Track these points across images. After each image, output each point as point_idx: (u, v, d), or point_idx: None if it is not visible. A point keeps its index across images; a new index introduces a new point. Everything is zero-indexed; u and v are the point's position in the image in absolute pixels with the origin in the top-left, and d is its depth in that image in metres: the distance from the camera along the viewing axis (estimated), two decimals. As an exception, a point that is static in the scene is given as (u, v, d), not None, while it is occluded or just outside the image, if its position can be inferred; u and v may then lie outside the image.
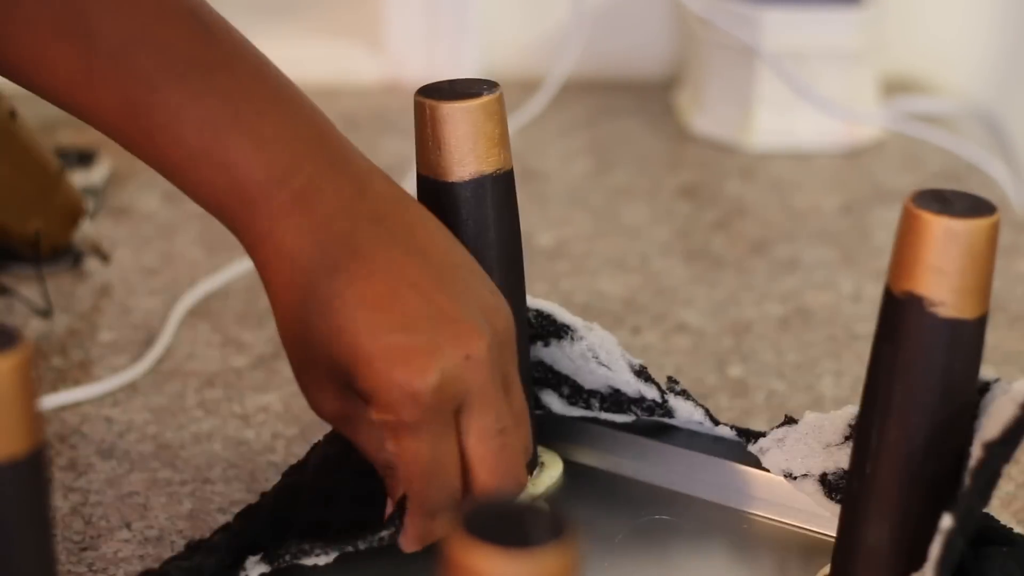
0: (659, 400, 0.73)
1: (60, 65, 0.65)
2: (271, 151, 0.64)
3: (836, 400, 0.86)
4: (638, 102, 1.31)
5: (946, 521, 0.59)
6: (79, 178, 1.06)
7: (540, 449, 0.75)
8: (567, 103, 1.24)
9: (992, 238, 0.60)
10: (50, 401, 0.84)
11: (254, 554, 0.66)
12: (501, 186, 0.69)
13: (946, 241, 0.60)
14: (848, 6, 1.22)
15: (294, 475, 0.70)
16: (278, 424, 0.83)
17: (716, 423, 0.73)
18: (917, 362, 0.61)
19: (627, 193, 1.15)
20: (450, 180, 0.68)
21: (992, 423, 0.61)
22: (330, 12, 1.39)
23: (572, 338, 0.73)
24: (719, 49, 1.23)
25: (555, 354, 0.74)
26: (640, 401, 0.73)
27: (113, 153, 1.16)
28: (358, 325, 0.62)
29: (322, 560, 0.66)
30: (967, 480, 0.60)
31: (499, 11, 1.35)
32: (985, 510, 0.65)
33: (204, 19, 0.66)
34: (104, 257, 0.99)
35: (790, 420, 0.71)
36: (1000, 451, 0.61)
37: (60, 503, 0.75)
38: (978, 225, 0.60)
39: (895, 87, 1.31)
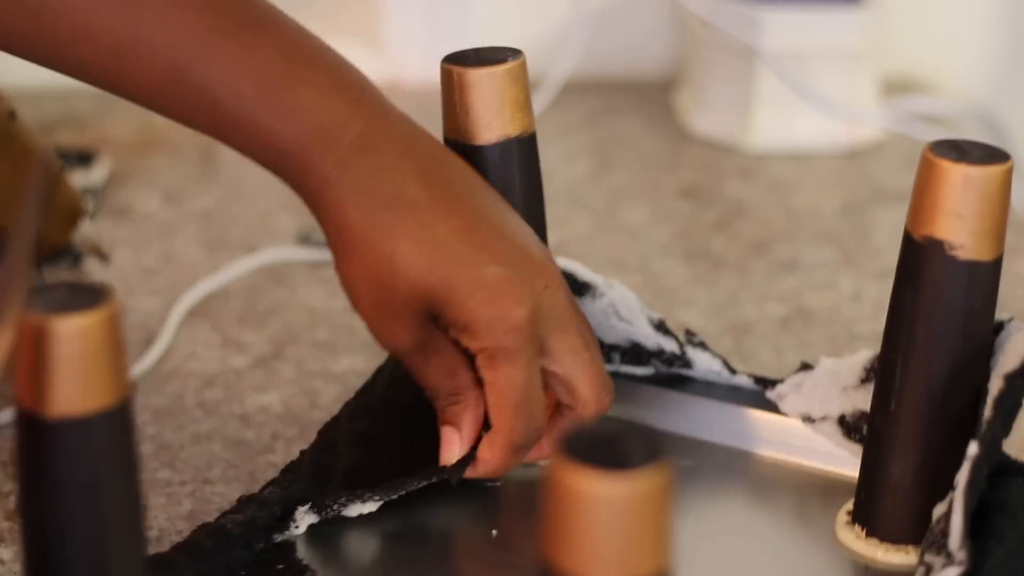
0: (678, 352, 0.76)
1: (104, 35, 0.65)
2: (330, 98, 0.66)
3: (836, 400, 0.87)
4: (638, 102, 1.31)
5: (972, 448, 0.62)
6: (79, 178, 1.06)
7: None
8: (567, 103, 1.23)
9: (1007, 183, 0.64)
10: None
11: (303, 505, 0.69)
12: (526, 148, 0.73)
13: (964, 187, 0.64)
14: (848, 6, 1.21)
15: (327, 431, 0.74)
16: (278, 424, 0.83)
17: (733, 372, 0.76)
18: (939, 303, 0.65)
19: (627, 193, 1.15)
20: (477, 143, 0.71)
21: (1010, 358, 0.65)
22: (330, 12, 1.39)
23: (593, 295, 0.76)
24: (719, 49, 1.23)
25: None
26: (660, 354, 0.76)
27: (113, 153, 1.16)
28: (454, 259, 0.65)
29: (368, 507, 0.69)
30: (989, 411, 0.64)
31: (499, 11, 1.35)
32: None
33: None
34: (104, 257, 0.99)
35: (806, 366, 0.74)
36: (1020, 382, 0.64)
37: (60, 503, 0.75)
38: (994, 171, 0.64)
39: (895, 87, 1.31)
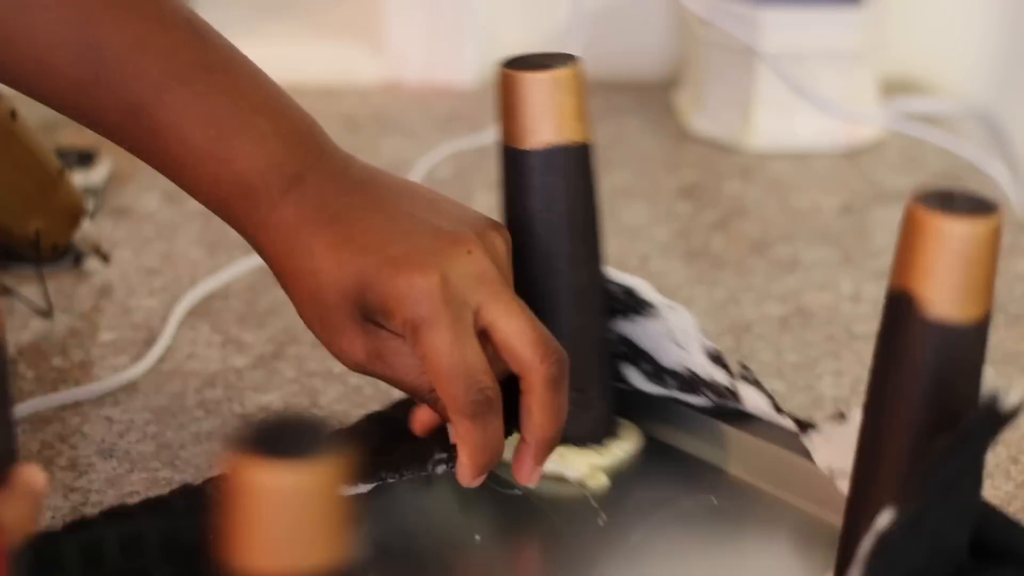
0: (729, 386, 0.74)
1: (66, 71, 0.68)
2: (269, 144, 0.68)
3: (836, 400, 0.87)
4: (638, 102, 1.31)
5: (883, 519, 0.58)
6: (79, 178, 1.06)
7: (622, 421, 0.76)
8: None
9: (988, 242, 0.58)
10: (50, 401, 0.84)
11: None
12: (574, 158, 0.71)
13: (936, 239, 0.58)
14: (848, 6, 1.22)
15: (398, 410, 0.74)
16: (278, 424, 0.83)
17: (779, 412, 0.73)
18: (904, 362, 0.60)
19: (627, 193, 1.15)
20: (521, 148, 0.71)
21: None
22: (330, 12, 1.39)
23: (652, 315, 0.75)
24: (719, 49, 1.23)
25: (636, 330, 0.75)
26: (712, 385, 0.75)
27: (113, 153, 1.16)
28: (362, 251, 0.66)
29: (359, 488, 0.69)
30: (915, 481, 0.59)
31: (499, 11, 1.35)
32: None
33: (199, 27, 0.70)
34: (104, 257, 0.99)
35: (840, 416, 0.71)
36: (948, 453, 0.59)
37: (60, 503, 0.75)
38: (972, 226, 0.58)
39: (895, 87, 1.31)
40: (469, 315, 0.66)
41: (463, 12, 1.33)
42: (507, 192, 0.72)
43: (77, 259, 0.99)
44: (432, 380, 0.66)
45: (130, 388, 0.86)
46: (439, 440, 0.71)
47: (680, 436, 0.76)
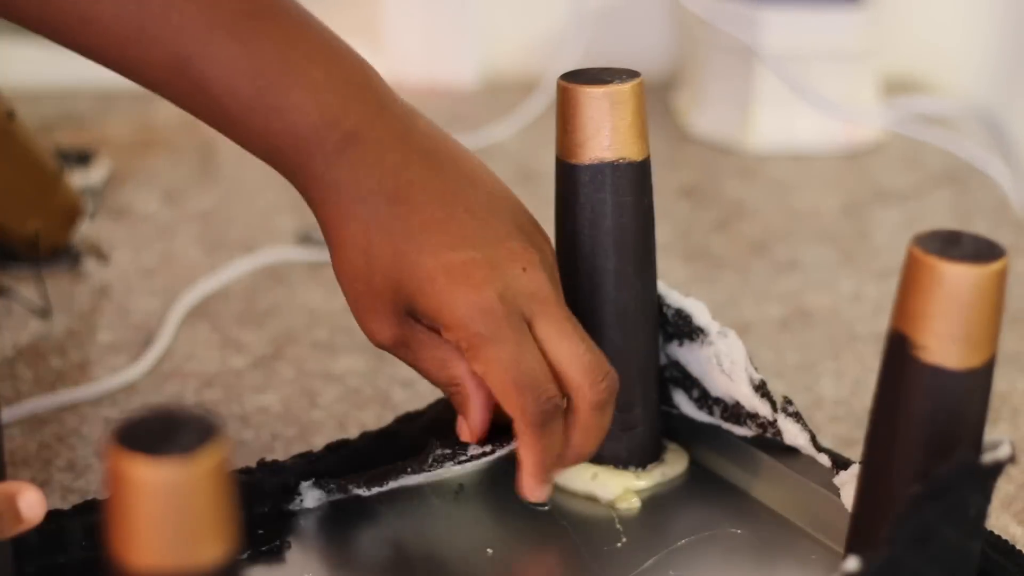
0: (770, 419, 0.73)
1: (108, 24, 0.66)
2: (323, 94, 0.66)
3: (836, 401, 0.86)
4: (638, 102, 1.31)
5: (850, 564, 0.56)
6: (78, 178, 1.06)
7: (670, 444, 0.75)
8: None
9: (989, 288, 0.56)
10: (48, 402, 0.84)
11: (306, 480, 0.70)
12: (623, 176, 0.70)
13: (934, 283, 0.56)
14: (848, 6, 1.21)
15: (401, 424, 0.74)
16: (277, 424, 0.83)
17: (819, 450, 0.72)
18: (901, 402, 0.58)
19: (627, 193, 1.14)
20: (571, 162, 0.70)
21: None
22: (330, 12, 1.39)
23: (702, 342, 0.74)
24: (719, 49, 1.23)
25: (687, 355, 0.74)
26: (755, 416, 0.73)
27: (113, 153, 1.16)
28: (420, 246, 0.65)
29: (365, 491, 0.70)
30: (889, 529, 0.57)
31: (499, 11, 1.35)
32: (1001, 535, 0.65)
33: None
34: (103, 257, 0.99)
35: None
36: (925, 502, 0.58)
37: (59, 504, 0.75)
38: (970, 271, 0.56)
39: (895, 87, 1.31)
40: (526, 326, 0.65)
41: (463, 12, 1.33)
42: (557, 206, 0.72)
43: (75, 259, 0.99)
44: (496, 394, 0.65)
45: (129, 389, 0.86)
46: (440, 436, 0.71)
47: (724, 464, 0.75)
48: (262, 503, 0.70)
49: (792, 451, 0.73)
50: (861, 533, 0.62)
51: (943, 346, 0.57)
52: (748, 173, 1.19)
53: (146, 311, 0.95)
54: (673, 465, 0.75)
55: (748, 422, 0.73)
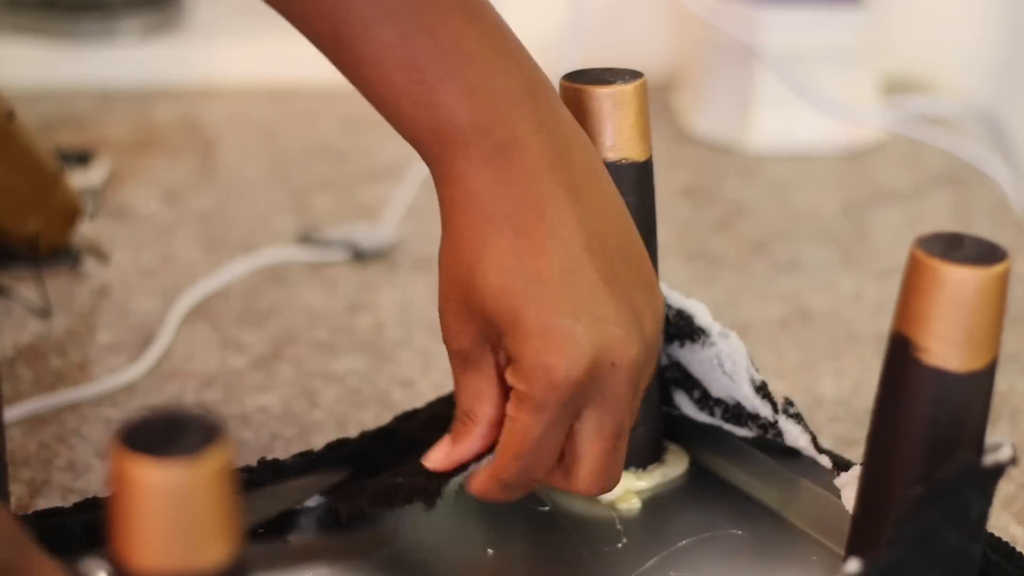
0: (771, 420, 0.73)
1: None
2: (477, 99, 0.65)
3: (836, 401, 0.86)
4: (638, 102, 1.31)
5: (851, 566, 0.57)
6: (78, 179, 1.06)
7: (671, 445, 0.75)
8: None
9: (991, 291, 0.56)
10: (48, 402, 0.84)
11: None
12: (625, 176, 0.70)
13: (935, 285, 0.56)
14: (848, 6, 1.21)
15: (400, 422, 0.73)
16: (277, 425, 0.83)
17: (819, 451, 0.72)
18: (902, 404, 0.59)
19: (627, 193, 1.14)
20: None
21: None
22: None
23: (703, 343, 0.74)
24: (719, 49, 1.23)
25: (688, 356, 0.74)
26: (756, 418, 0.73)
27: (112, 153, 1.16)
28: (528, 296, 0.63)
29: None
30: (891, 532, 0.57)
31: (498, 10, 1.35)
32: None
33: None
34: (103, 258, 0.99)
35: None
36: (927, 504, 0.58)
37: (59, 504, 0.75)
38: (973, 274, 0.56)
39: (895, 87, 1.30)
40: (576, 411, 0.65)
41: (463, 12, 1.33)
42: None
43: (75, 260, 0.99)
44: (502, 439, 0.65)
45: (129, 389, 0.86)
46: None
47: (725, 465, 0.75)
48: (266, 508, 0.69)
49: (793, 452, 0.72)
50: (862, 535, 0.62)
51: (945, 348, 0.57)
52: (748, 173, 1.19)
53: (146, 311, 0.95)
54: (674, 466, 0.75)
55: (749, 423, 0.73)
